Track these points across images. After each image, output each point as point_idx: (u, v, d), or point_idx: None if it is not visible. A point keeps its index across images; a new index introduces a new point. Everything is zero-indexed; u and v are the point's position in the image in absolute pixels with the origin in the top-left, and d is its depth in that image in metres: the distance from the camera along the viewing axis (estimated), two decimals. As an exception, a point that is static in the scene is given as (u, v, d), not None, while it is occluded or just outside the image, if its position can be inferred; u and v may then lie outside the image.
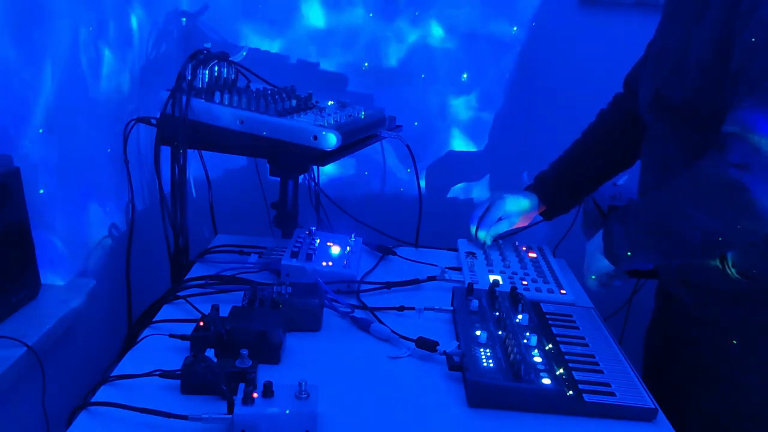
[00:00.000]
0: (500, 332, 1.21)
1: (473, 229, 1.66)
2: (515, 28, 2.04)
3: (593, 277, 1.35)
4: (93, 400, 0.99)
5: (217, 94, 1.51)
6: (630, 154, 1.54)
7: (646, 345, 1.52)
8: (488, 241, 1.65)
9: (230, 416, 0.90)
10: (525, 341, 1.18)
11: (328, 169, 2.14)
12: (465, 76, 2.08)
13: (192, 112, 1.46)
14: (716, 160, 1.07)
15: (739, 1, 1.09)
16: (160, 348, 1.13)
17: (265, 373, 1.04)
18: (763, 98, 1.04)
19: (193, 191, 1.89)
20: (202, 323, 1.11)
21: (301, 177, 1.70)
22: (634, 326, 2.07)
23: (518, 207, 1.62)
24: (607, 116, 1.61)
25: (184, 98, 1.46)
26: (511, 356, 1.10)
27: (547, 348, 1.18)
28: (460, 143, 2.15)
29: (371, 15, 2.04)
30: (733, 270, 1.20)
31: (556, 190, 1.63)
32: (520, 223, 1.65)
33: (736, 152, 1.04)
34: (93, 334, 1.52)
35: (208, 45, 1.58)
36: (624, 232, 1.22)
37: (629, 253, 1.22)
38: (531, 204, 1.63)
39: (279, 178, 1.63)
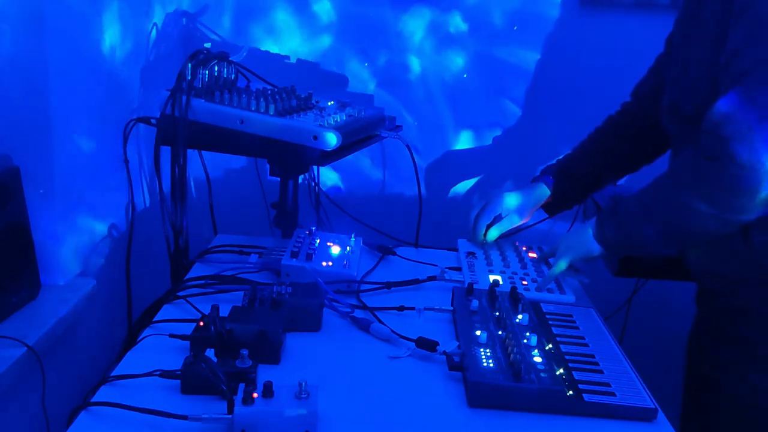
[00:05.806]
0: (500, 332, 1.21)
1: (472, 229, 1.66)
2: (515, 27, 2.04)
3: (568, 258, 1.43)
4: (93, 400, 0.99)
5: (217, 94, 1.51)
6: (636, 160, 1.59)
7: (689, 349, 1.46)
8: (489, 238, 1.64)
9: (230, 416, 0.90)
10: (525, 341, 1.17)
11: (329, 169, 2.14)
12: (465, 75, 2.08)
13: (192, 112, 1.46)
14: (690, 155, 1.17)
15: (732, 6, 1.15)
16: (160, 348, 1.13)
17: (265, 373, 1.03)
18: (740, 91, 1.08)
19: (193, 191, 1.90)
20: (202, 323, 1.10)
21: (301, 177, 1.70)
22: (634, 326, 2.07)
23: (517, 204, 1.61)
24: (615, 122, 1.61)
25: (184, 98, 1.46)
26: (511, 356, 1.10)
27: (547, 348, 1.18)
28: (460, 143, 2.15)
29: (372, 14, 2.04)
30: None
31: (565, 181, 1.61)
32: (521, 220, 1.64)
33: (707, 146, 1.12)
34: (93, 334, 1.52)
35: (208, 45, 1.58)
36: (614, 219, 1.32)
37: (619, 237, 1.32)
38: (532, 199, 1.61)
39: (279, 178, 1.63)
